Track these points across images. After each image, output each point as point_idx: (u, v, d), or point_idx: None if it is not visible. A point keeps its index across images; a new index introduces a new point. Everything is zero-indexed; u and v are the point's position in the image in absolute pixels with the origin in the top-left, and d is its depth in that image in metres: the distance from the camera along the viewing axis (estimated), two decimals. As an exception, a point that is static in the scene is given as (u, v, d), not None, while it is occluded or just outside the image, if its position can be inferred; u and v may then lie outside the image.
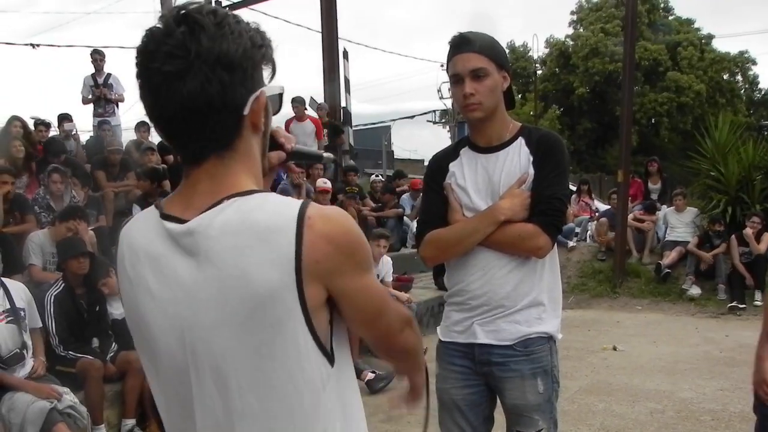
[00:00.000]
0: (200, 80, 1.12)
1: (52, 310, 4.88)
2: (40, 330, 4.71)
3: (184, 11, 1.14)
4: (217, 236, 1.14)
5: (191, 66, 1.11)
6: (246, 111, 1.18)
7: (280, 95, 1.31)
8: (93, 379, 4.71)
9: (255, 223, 1.13)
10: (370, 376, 6.10)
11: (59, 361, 4.80)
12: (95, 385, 4.72)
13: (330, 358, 1.20)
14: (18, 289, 4.67)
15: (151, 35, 1.15)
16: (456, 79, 2.35)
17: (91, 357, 4.85)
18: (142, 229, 1.24)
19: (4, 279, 4.68)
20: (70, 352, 4.84)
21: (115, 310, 5.25)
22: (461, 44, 2.33)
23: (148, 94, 1.16)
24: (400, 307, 1.34)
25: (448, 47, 2.38)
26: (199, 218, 1.16)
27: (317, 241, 1.13)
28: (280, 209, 1.15)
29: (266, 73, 1.23)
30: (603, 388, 5.99)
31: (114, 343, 5.15)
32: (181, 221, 1.18)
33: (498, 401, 2.49)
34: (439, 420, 2.55)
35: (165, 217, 1.20)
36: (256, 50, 1.18)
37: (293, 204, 1.16)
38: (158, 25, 1.15)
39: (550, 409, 2.40)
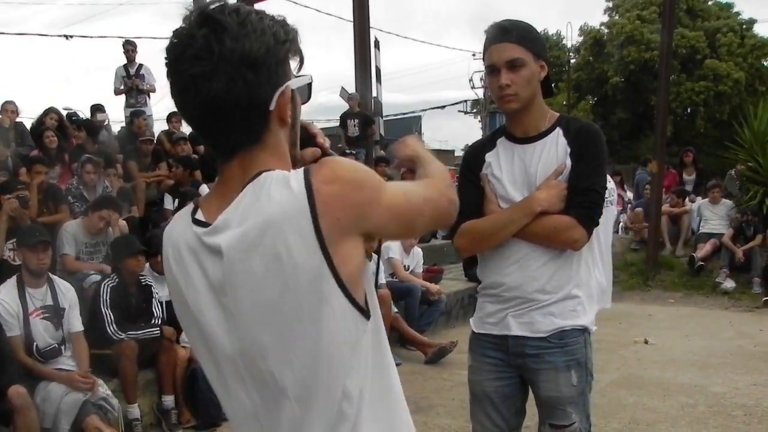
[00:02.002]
0: (225, 80, 1.15)
1: (107, 298, 5.00)
2: (82, 334, 4.77)
3: (206, 12, 1.17)
4: (240, 234, 1.18)
5: (216, 67, 1.15)
6: (272, 106, 1.21)
7: (309, 85, 1.32)
8: (127, 358, 4.84)
9: (269, 212, 1.16)
10: None
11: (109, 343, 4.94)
12: (129, 365, 4.85)
13: (365, 312, 1.22)
14: (67, 289, 4.79)
15: (176, 37, 1.19)
16: (492, 70, 2.32)
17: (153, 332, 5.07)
18: (182, 227, 1.28)
19: (54, 277, 4.77)
20: (129, 333, 4.97)
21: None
22: (497, 34, 2.30)
23: (177, 94, 1.21)
24: (432, 190, 1.35)
25: (484, 37, 2.35)
26: (221, 216, 1.21)
27: (329, 204, 1.15)
28: (287, 189, 1.16)
29: (294, 64, 1.25)
30: (634, 382, 5.94)
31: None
32: (207, 224, 1.23)
33: (530, 394, 2.47)
34: (471, 412, 2.54)
35: (195, 221, 1.26)
36: (280, 46, 1.20)
37: (295, 177, 1.17)
38: (182, 27, 1.18)
39: (583, 402, 2.38)
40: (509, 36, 2.27)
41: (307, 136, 1.37)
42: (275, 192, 1.16)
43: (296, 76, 1.27)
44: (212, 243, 1.21)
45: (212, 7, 1.18)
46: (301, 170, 1.18)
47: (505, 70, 2.27)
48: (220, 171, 1.27)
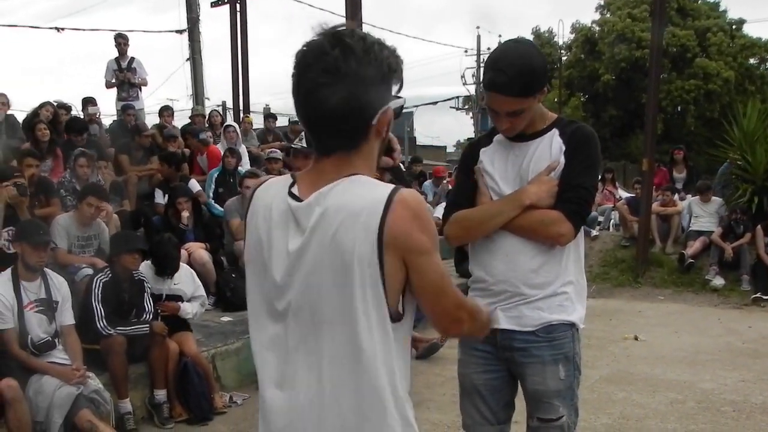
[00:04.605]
0: (344, 95, 1.38)
1: (99, 293, 4.98)
2: (73, 327, 4.75)
3: (339, 34, 1.41)
4: (323, 212, 1.42)
5: (339, 83, 1.38)
6: (374, 121, 1.45)
7: (401, 106, 1.54)
8: (116, 354, 4.82)
9: (351, 204, 1.40)
10: None
11: (98, 338, 4.91)
12: (118, 360, 4.83)
13: (394, 314, 1.45)
14: (60, 283, 4.77)
15: (309, 49, 1.42)
16: (494, 113, 2.35)
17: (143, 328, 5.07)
18: (278, 194, 1.52)
19: (47, 270, 4.75)
20: (118, 328, 4.94)
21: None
22: (496, 81, 2.25)
23: (300, 97, 1.44)
24: (460, 296, 1.57)
25: (482, 74, 2.39)
26: (314, 195, 1.44)
27: (395, 222, 1.39)
28: (371, 194, 1.41)
29: (395, 88, 1.49)
30: (624, 378, 5.98)
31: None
32: (300, 200, 1.47)
33: (519, 388, 2.50)
34: (460, 404, 2.56)
35: (291, 195, 1.49)
36: (391, 73, 1.46)
37: (383, 189, 1.42)
38: (316, 41, 1.42)
39: (571, 396, 2.40)
40: (509, 90, 2.23)
41: (389, 148, 1.51)
42: (362, 191, 1.42)
43: (395, 97, 1.50)
44: (302, 222, 1.45)
45: (344, 30, 1.42)
46: (391, 186, 1.43)
47: (505, 116, 2.31)
48: (317, 160, 1.50)
